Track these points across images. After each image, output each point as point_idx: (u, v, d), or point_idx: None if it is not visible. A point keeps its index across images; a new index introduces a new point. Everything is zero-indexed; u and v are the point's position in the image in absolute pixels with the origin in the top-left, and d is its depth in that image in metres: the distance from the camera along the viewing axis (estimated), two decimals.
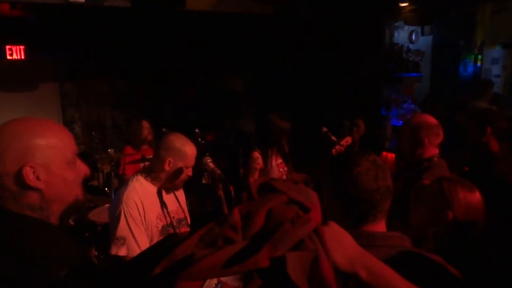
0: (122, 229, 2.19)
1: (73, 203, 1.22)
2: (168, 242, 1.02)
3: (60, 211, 1.20)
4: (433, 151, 2.50)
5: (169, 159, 2.28)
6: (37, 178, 1.12)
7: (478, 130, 3.09)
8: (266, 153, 3.60)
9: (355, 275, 0.92)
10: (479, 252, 1.66)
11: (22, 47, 5.57)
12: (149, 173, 2.36)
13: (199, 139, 4.96)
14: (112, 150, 4.38)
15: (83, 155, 5.85)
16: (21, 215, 1.11)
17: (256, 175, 3.57)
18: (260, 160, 3.58)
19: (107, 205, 3.91)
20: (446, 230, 1.65)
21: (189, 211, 2.65)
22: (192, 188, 2.72)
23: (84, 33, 5.91)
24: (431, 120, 2.54)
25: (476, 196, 1.68)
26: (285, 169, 3.71)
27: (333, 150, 3.65)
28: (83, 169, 1.25)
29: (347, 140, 3.79)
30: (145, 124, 4.78)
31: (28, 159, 1.10)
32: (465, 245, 1.64)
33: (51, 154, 1.14)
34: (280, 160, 3.68)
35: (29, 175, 1.10)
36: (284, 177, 3.67)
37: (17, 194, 1.10)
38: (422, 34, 6.77)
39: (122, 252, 2.17)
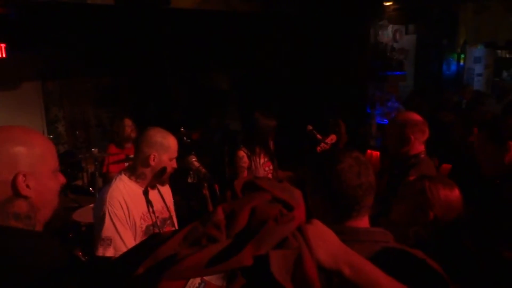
0: (107, 229, 2.17)
1: (53, 213, 1.25)
2: (151, 241, 1.01)
3: (46, 219, 1.21)
4: (419, 148, 2.53)
5: (154, 153, 2.28)
6: (27, 186, 1.12)
7: (465, 131, 3.12)
8: (252, 151, 3.60)
9: (338, 272, 0.93)
10: (459, 246, 1.68)
11: (3, 45, 5.47)
12: (133, 171, 2.35)
13: (185, 138, 4.94)
14: (96, 149, 4.34)
15: (67, 155, 5.78)
16: (4, 228, 1.11)
17: (245, 173, 3.57)
18: (246, 159, 3.57)
19: (92, 205, 3.86)
20: (426, 229, 1.67)
21: (175, 210, 2.64)
22: (178, 187, 2.70)
23: (67, 30, 5.83)
24: (416, 117, 2.56)
25: (456, 194, 1.70)
26: (271, 167, 3.72)
27: (318, 148, 3.67)
28: (62, 179, 1.27)
29: (332, 138, 3.81)
30: (128, 122, 4.74)
31: (20, 168, 1.11)
32: (445, 240, 1.66)
33: (39, 163, 1.15)
34: (265, 159, 3.68)
35: (21, 183, 1.11)
36: (270, 175, 3.67)
37: (5, 203, 1.11)
38: (406, 33, 6.85)
39: (109, 252, 2.15)
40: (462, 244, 1.70)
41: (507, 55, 9.50)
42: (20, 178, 1.11)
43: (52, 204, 1.23)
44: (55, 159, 1.23)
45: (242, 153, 3.58)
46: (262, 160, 3.64)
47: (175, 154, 2.37)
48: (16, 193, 1.11)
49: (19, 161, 1.11)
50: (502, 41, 7.19)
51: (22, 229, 1.13)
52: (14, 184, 1.10)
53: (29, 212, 1.14)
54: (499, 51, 9.34)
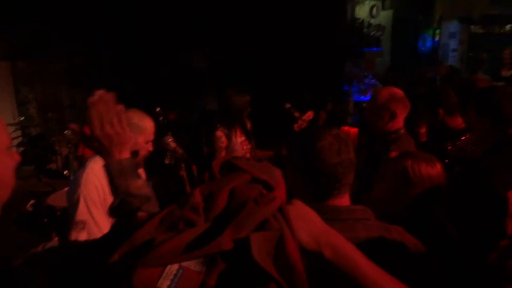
0: (81, 213, 2.13)
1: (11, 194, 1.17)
2: (127, 226, 0.97)
3: (4, 200, 1.13)
4: (400, 123, 2.54)
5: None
6: None
7: (431, 112, 3.13)
8: (229, 131, 3.55)
9: (319, 253, 0.91)
10: (440, 228, 1.69)
11: None
12: None
13: (161, 118, 4.85)
14: (70, 131, 4.22)
15: (39, 137, 5.62)
16: None
17: (223, 154, 3.53)
18: (224, 139, 3.53)
19: (66, 188, 3.78)
20: (407, 209, 1.66)
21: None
22: (155, 169, 2.66)
23: (37, 7, 5.61)
24: (400, 92, 2.57)
25: (438, 170, 1.70)
26: (249, 146, 3.69)
27: (295, 126, 3.65)
28: (16, 157, 1.18)
29: (309, 115, 3.80)
30: None
31: None
32: (427, 221, 1.66)
33: None
34: (243, 138, 3.64)
35: None
36: (248, 154, 3.64)
37: None
38: (383, 9, 6.83)
39: (82, 236, 2.11)
40: (443, 227, 1.71)
41: (481, 31, 9.61)
42: None
43: (9, 183, 1.14)
44: (7, 136, 1.15)
45: (219, 133, 3.53)
46: (239, 139, 3.60)
47: (151, 137, 2.32)
48: None
49: None
50: (476, 16, 7.25)
51: None
52: None
53: None
54: (472, 27, 9.43)
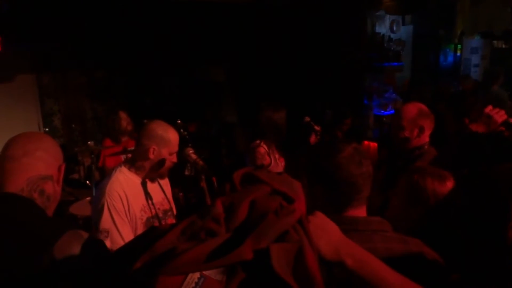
0: (105, 221, 2.15)
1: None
2: (149, 235, 0.99)
3: (52, 211, 1.38)
4: (425, 139, 2.52)
5: (153, 147, 2.25)
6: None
7: (456, 122, 3.08)
8: (270, 148, 3.41)
9: (341, 263, 0.92)
10: (453, 239, 1.66)
11: None
12: (133, 163, 2.32)
13: (181, 130, 4.89)
14: (92, 142, 4.29)
15: (63, 148, 5.73)
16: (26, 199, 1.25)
17: None
18: (266, 156, 3.38)
19: (88, 198, 3.85)
20: (418, 224, 1.64)
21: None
22: (175, 180, 2.68)
23: (61, 23, 5.77)
24: (426, 107, 2.56)
25: (447, 185, 1.67)
26: (283, 162, 3.54)
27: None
28: (63, 170, 1.46)
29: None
30: (123, 115, 4.67)
31: (61, 160, 1.41)
32: (439, 232, 1.63)
33: (62, 158, 1.41)
34: (280, 154, 3.51)
35: (62, 173, 1.39)
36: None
37: (44, 177, 1.31)
38: (403, 24, 6.80)
39: (106, 245, 2.13)
40: (457, 237, 1.68)
41: (503, 46, 9.49)
42: (62, 167, 1.39)
43: (58, 198, 1.40)
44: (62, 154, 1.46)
45: (263, 150, 3.37)
46: (276, 155, 3.51)
47: (175, 149, 2.34)
48: (56, 177, 1.35)
49: (61, 156, 1.41)
50: (499, 32, 7.14)
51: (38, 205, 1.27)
52: (59, 169, 1.37)
53: (50, 195, 1.32)
54: (495, 42, 9.31)
